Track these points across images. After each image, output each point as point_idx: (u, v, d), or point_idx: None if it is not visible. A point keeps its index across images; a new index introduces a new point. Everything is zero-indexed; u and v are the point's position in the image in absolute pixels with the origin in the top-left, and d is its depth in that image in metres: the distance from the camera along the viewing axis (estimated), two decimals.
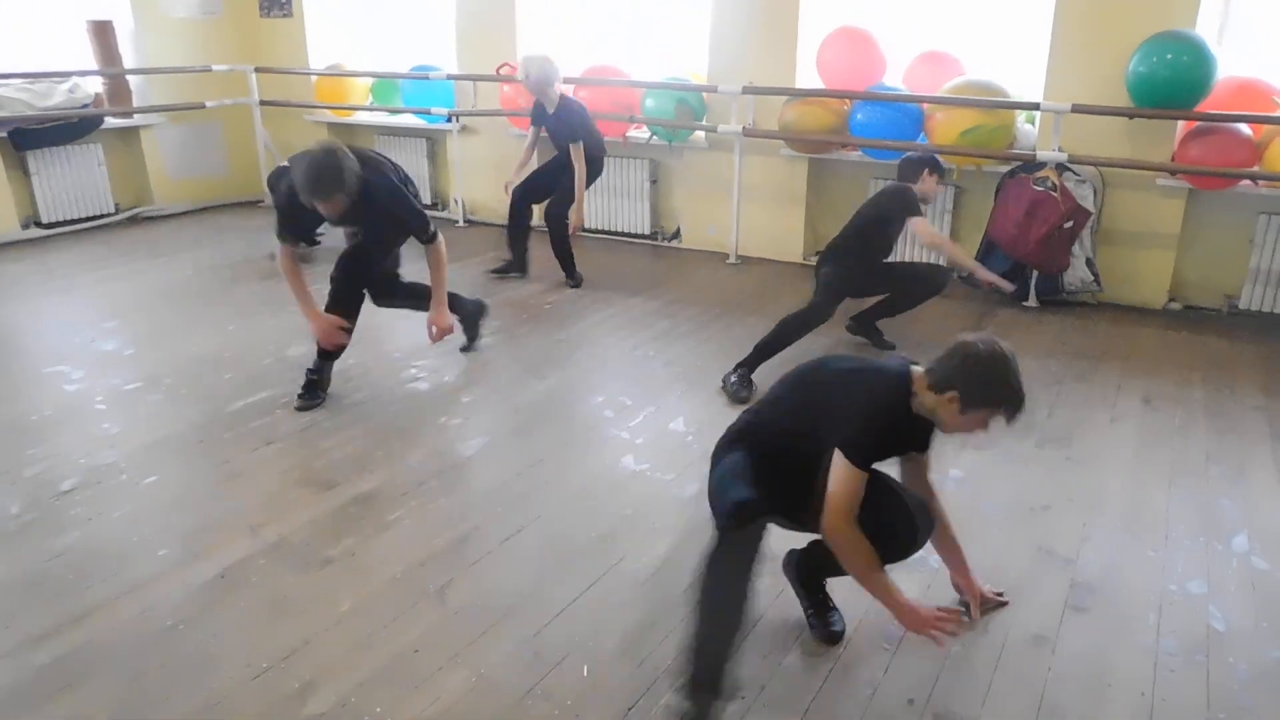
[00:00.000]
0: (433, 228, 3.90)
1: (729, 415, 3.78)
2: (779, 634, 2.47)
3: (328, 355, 3.96)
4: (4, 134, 6.56)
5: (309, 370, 3.95)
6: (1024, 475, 3.39)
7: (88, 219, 7.10)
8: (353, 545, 2.86)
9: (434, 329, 3.99)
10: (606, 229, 6.97)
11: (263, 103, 7.78)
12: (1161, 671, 2.35)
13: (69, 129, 6.84)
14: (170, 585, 2.63)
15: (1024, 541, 2.94)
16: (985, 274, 4.63)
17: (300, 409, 3.84)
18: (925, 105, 5.60)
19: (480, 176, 7.37)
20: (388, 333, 4.63)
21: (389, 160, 3.97)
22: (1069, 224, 5.08)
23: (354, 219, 3.80)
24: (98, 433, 3.62)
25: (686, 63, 6.51)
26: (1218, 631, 2.51)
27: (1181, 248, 5.33)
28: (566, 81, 6.70)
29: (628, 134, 6.58)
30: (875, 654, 2.41)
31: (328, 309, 3.89)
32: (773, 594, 2.59)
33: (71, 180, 6.98)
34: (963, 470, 3.39)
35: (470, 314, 4.50)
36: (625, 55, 6.78)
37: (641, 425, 3.75)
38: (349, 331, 3.93)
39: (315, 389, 3.93)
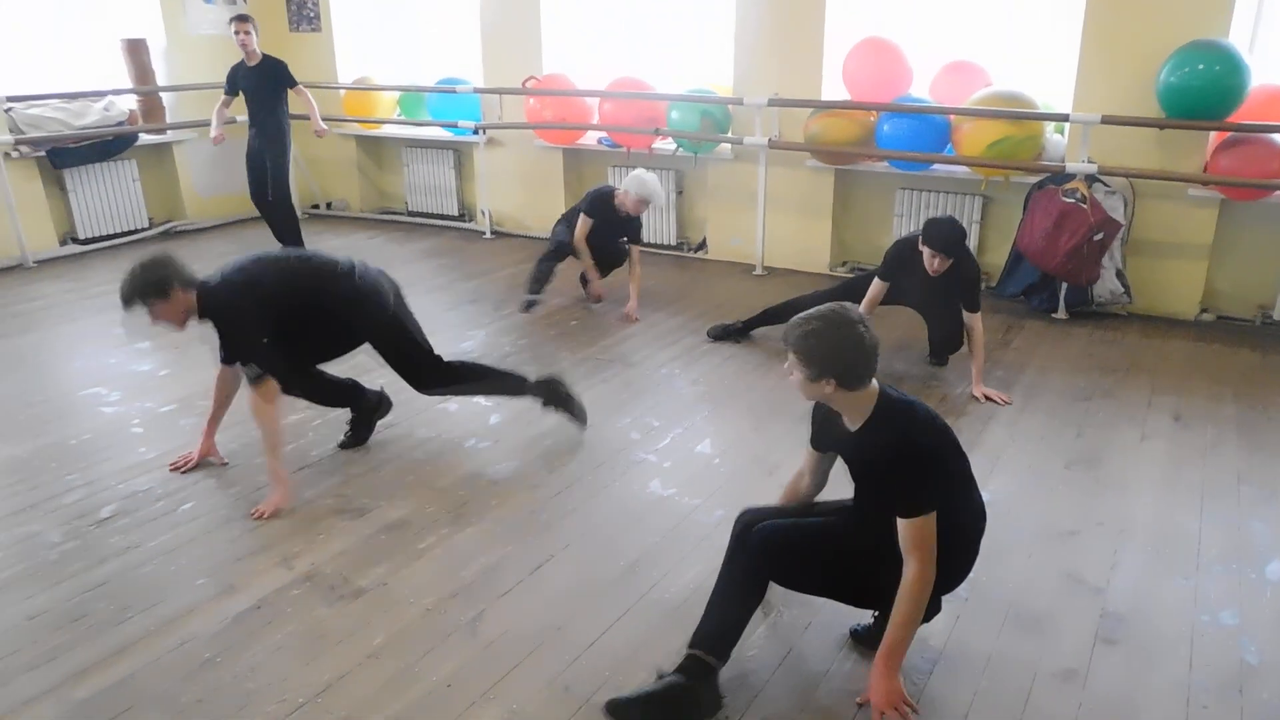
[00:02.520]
0: (258, 370, 3.23)
1: (755, 436, 3.83)
2: (805, 670, 2.49)
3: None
4: (42, 153, 6.70)
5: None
6: (1051, 498, 3.37)
7: (123, 234, 7.25)
8: (384, 575, 2.90)
9: (263, 510, 3.25)
10: None
11: (291, 116, 7.85)
12: (1194, 709, 2.33)
13: (104, 146, 6.98)
14: (207, 618, 2.68)
15: (1052, 568, 2.93)
16: None
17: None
18: (952, 117, 5.56)
19: (507, 189, 7.43)
20: None
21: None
22: (1098, 236, 5.03)
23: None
24: (135, 458, 3.69)
25: (712, 75, 6.50)
26: (1251, 665, 2.48)
27: (1214, 258, 5.26)
28: (590, 95, 6.74)
29: (653, 145, 6.59)
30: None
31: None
32: (800, 626, 2.61)
33: (107, 197, 7.13)
34: (989, 493, 3.36)
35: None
36: (651, 68, 6.78)
37: (669, 448, 3.76)
38: None
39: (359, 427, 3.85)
